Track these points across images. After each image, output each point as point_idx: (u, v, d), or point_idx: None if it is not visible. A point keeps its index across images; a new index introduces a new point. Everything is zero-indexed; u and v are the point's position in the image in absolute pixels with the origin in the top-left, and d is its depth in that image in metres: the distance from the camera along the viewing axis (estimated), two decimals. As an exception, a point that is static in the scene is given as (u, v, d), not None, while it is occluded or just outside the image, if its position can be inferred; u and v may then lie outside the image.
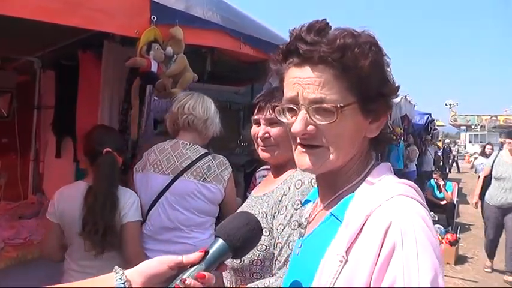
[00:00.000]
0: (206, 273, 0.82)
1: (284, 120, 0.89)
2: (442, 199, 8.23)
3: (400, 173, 9.19)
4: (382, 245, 0.71)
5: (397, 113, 8.05)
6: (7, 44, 3.19)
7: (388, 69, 0.88)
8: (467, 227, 8.49)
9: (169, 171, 2.12)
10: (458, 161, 22.01)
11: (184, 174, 2.10)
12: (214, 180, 2.12)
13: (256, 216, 1.42)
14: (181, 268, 0.83)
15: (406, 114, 9.14)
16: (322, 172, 0.89)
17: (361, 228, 0.76)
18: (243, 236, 0.87)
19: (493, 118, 40.29)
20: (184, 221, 2.10)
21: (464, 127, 40.59)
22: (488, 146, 10.80)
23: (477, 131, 37.38)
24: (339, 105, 0.81)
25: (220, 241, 0.86)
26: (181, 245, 2.09)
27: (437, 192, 8.35)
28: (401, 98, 8.57)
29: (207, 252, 0.85)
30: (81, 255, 2.05)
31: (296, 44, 0.83)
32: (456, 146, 22.89)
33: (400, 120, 9.07)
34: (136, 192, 2.17)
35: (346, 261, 0.74)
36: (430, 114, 12.48)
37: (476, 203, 6.27)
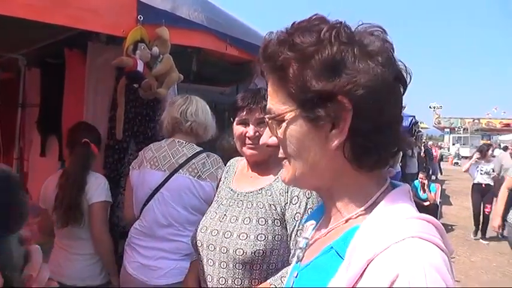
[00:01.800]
0: (28, 275, 0.68)
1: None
2: (425, 200, 8.35)
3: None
4: None
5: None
6: (-9, 41, 3.18)
7: (345, 57, 0.70)
8: (449, 227, 8.64)
9: (166, 168, 2.16)
10: (441, 163, 22.27)
11: (180, 170, 2.14)
12: (208, 178, 2.15)
13: (261, 208, 1.51)
14: None
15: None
16: (299, 186, 0.87)
17: (362, 273, 0.63)
18: None
19: (476, 121, 41.06)
20: (178, 217, 2.12)
21: (447, 129, 41.26)
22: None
23: (460, 133, 38.02)
24: (274, 115, 0.76)
25: None
26: (175, 242, 2.12)
27: (420, 193, 8.48)
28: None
29: None
30: (60, 232, 2.40)
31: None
32: (439, 149, 22.92)
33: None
34: (132, 189, 2.27)
35: None
36: (414, 117, 12.62)
37: (499, 227, 4.77)
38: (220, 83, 4.58)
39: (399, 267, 0.59)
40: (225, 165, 1.93)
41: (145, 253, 2.13)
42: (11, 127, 3.96)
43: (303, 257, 0.86)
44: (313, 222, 0.91)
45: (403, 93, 0.78)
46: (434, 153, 18.40)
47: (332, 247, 0.75)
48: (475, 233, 8.12)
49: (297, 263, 0.87)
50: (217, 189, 2.02)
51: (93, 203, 2.33)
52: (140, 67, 2.24)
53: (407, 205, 0.72)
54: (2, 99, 3.89)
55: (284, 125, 0.75)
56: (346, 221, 0.76)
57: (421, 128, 19.11)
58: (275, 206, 1.51)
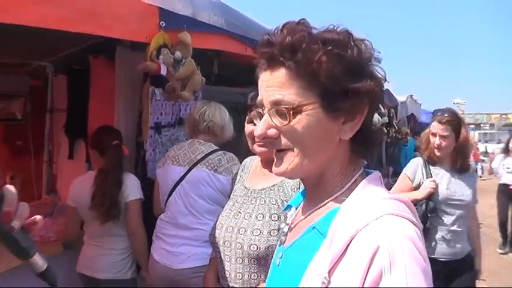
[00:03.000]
0: (4, 210, 0.72)
1: (257, 121, 0.88)
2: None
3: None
4: (368, 270, 0.67)
5: (402, 112, 8.08)
6: (21, 49, 3.31)
7: (368, 63, 0.81)
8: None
9: (185, 163, 2.37)
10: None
11: (198, 164, 2.34)
12: (224, 172, 2.33)
13: (274, 204, 1.56)
14: None
15: (412, 113, 9.15)
16: (295, 177, 0.88)
17: (346, 249, 0.71)
18: None
19: (503, 116, 39.97)
20: (197, 207, 2.33)
21: (472, 126, 40.34)
22: None
23: (486, 129, 37.10)
24: (291, 106, 0.77)
25: None
26: (195, 230, 2.32)
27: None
28: (407, 97, 8.61)
29: None
30: (92, 229, 2.55)
31: (260, 49, 0.83)
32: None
33: (406, 120, 9.09)
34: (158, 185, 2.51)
35: (329, 282, 0.70)
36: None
37: None
38: (240, 84, 4.64)
39: (379, 239, 0.68)
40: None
41: (169, 240, 2.35)
42: (41, 131, 4.14)
43: (285, 240, 0.93)
44: (294, 207, 0.99)
45: None
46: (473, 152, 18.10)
47: (314, 227, 0.82)
48: (503, 246, 6.80)
49: (280, 245, 0.95)
50: (232, 184, 2.11)
51: (130, 200, 2.50)
52: (164, 71, 2.32)
53: (380, 188, 0.82)
54: (32, 105, 4.06)
55: (300, 116, 0.78)
56: (326, 203, 0.84)
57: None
58: (287, 202, 1.55)
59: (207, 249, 2.15)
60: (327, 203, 0.84)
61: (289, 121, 0.78)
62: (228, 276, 1.58)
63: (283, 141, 0.81)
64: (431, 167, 2.85)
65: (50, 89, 4.06)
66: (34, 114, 4.11)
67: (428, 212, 2.70)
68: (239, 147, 2.49)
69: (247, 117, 1.71)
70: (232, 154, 2.42)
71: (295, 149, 0.80)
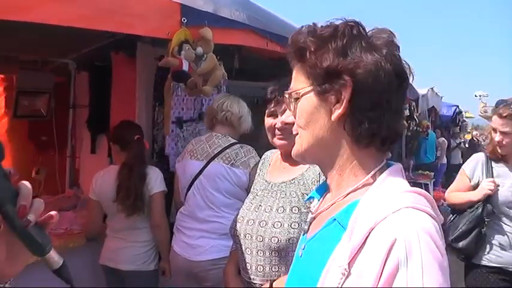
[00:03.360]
0: (21, 205, 0.71)
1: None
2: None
3: (432, 166, 9.07)
4: (385, 262, 0.68)
5: (423, 105, 7.95)
6: (45, 47, 3.39)
7: (353, 46, 0.81)
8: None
9: (203, 158, 2.40)
10: None
11: (215, 159, 2.37)
12: (241, 166, 2.35)
13: (294, 197, 1.57)
14: None
15: (433, 106, 9.01)
16: (303, 159, 0.92)
17: (365, 241, 0.72)
18: None
19: (526, 108, 38.96)
20: (214, 201, 2.36)
21: (495, 118, 39.38)
22: None
23: (508, 122, 36.18)
24: (294, 94, 0.88)
25: None
26: (213, 223, 2.36)
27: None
28: (428, 89, 8.47)
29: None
30: (115, 223, 2.60)
31: None
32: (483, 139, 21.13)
33: (427, 113, 8.95)
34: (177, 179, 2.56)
35: (349, 274, 0.71)
36: (458, 106, 12.24)
37: None
38: (261, 79, 4.63)
39: (396, 232, 0.69)
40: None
41: (188, 233, 2.40)
42: (64, 127, 4.21)
43: (308, 230, 0.95)
44: (317, 197, 1.01)
45: (405, 90, 0.88)
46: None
47: (335, 219, 0.84)
48: None
49: (303, 235, 0.97)
50: (250, 176, 2.13)
51: (154, 193, 2.55)
52: (185, 67, 2.33)
53: (401, 180, 0.83)
54: (55, 101, 4.14)
55: (300, 101, 0.87)
56: (347, 195, 0.85)
57: (466, 117, 18.36)
58: (307, 195, 1.55)
59: (225, 242, 2.22)
60: (347, 195, 0.85)
61: (294, 107, 0.89)
62: (249, 268, 1.60)
63: (294, 125, 0.91)
64: (494, 164, 2.52)
65: (72, 86, 4.12)
66: (58, 110, 4.20)
67: (485, 215, 2.42)
68: (259, 141, 2.50)
69: (267, 111, 1.70)
70: (249, 147, 2.44)
71: (299, 130, 0.89)
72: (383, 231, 0.70)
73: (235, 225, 1.70)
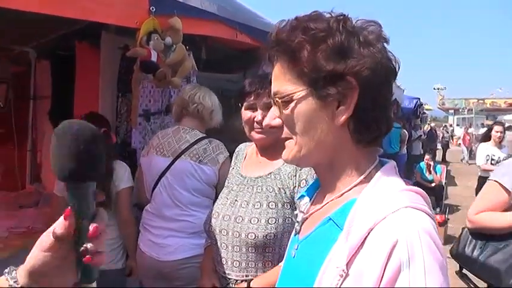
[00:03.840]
0: (95, 225, 0.69)
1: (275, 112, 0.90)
2: (431, 181, 8.40)
3: (392, 157, 9.34)
4: (387, 264, 0.67)
5: (386, 97, 8.14)
6: (2, 34, 3.21)
7: (351, 44, 0.78)
8: (455, 208, 8.67)
9: (170, 154, 2.29)
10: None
11: (182, 155, 2.26)
12: (209, 163, 2.26)
13: (271, 192, 1.55)
14: (62, 244, 0.70)
15: (395, 98, 9.25)
16: (301, 164, 0.90)
17: (363, 242, 0.71)
18: (72, 158, 0.67)
19: (480, 101, 40.78)
20: (182, 199, 2.26)
21: (452, 111, 41.06)
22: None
23: (464, 114, 37.83)
24: (282, 96, 0.82)
25: (62, 185, 0.75)
26: (181, 222, 2.26)
27: (426, 175, 8.52)
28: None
29: (71, 208, 0.69)
30: None
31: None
32: (443, 131, 21.83)
33: (390, 105, 9.18)
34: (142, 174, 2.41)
35: (347, 275, 0.70)
36: (419, 99, 12.63)
37: None
38: (227, 70, 4.60)
39: (397, 233, 0.68)
40: (234, 146, 1.96)
41: (155, 232, 2.29)
42: (24, 119, 4.05)
43: (300, 230, 0.93)
44: (307, 197, 0.98)
45: (394, 80, 0.86)
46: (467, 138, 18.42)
47: (330, 218, 0.81)
48: None
49: (295, 235, 0.94)
50: (219, 173, 2.13)
51: (121, 189, 2.45)
52: (154, 57, 2.27)
53: (396, 179, 0.81)
54: (14, 92, 3.96)
55: (293, 104, 0.80)
56: (342, 194, 0.83)
57: (426, 109, 19.04)
58: (284, 190, 1.55)
59: (194, 240, 2.17)
60: (342, 194, 0.83)
61: (281, 111, 0.82)
62: (224, 263, 1.58)
63: (285, 129, 0.84)
64: None
65: (33, 75, 3.95)
66: (17, 101, 4.02)
67: None
68: (226, 134, 2.46)
69: (245, 104, 1.68)
70: (218, 141, 2.35)
71: (294, 137, 0.83)
72: (383, 232, 0.70)
73: (210, 220, 1.67)
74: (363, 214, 0.74)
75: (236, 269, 1.55)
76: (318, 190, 0.94)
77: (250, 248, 1.51)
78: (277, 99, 0.83)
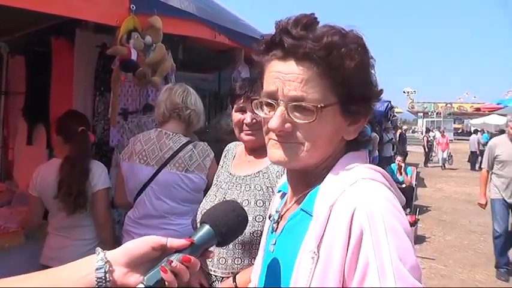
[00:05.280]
0: (192, 257, 0.78)
1: (261, 114, 0.86)
2: (402, 183, 8.62)
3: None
4: (349, 233, 0.69)
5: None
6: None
7: (373, 72, 0.84)
8: (424, 208, 8.94)
9: (154, 163, 2.17)
10: (413, 146, 21.98)
11: (167, 165, 2.15)
12: (196, 170, 2.17)
13: (259, 191, 1.59)
14: (164, 251, 0.80)
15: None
16: (292, 167, 0.87)
17: (328, 219, 0.72)
18: (229, 223, 0.86)
19: (448, 105, 42.02)
20: (168, 210, 2.17)
21: (421, 114, 42.15)
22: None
23: (433, 117, 38.85)
24: (319, 105, 0.77)
25: (206, 227, 0.84)
26: (166, 230, 2.14)
27: (397, 176, 8.74)
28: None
29: (192, 242, 0.82)
30: (57, 220, 2.41)
31: (281, 37, 0.79)
32: (427, 135, 21.36)
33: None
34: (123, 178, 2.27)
35: (318, 257, 0.71)
36: (390, 102, 12.89)
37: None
38: (203, 70, 4.63)
39: (355, 201, 0.71)
40: (217, 146, 1.96)
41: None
42: (-6, 115, 3.93)
43: (277, 228, 0.93)
44: (282, 191, 1.02)
45: None
46: (442, 142, 18.00)
47: (301, 209, 0.84)
48: None
49: (272, 233, 0.95)
50: (208, 177, 2.11)
51: (98, 190, 2.38)
52: (134, 56, 2.27)
53: (359, 161, 0.84)
54: (-16, 87, 3.85)
55: (321, 115, 0.78)
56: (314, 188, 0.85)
57: (396, 112, 19.43)
58: (272, 188, 1.59)
59: None
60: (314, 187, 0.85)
61: (312, 119, 0.78)
62: (210, 260, 1.59)
63: (298, 135, 0.81)
64: None
65: (4, 70, 3.85)
66: (-13, 97, 3.90)
67: None
68: (206, 133, 2.47)
69: (235, 106, 1.71)
70: (203, 144, 2.27)
71: (306, 144, 0.81)
72: (342, 204, 0.72)
73: (198, 217, 1.68)
74: (326, 195, 0.76)
75: (222, 266, 1.57)
76: (291, 188, 0.94)
77: (237, 245, 1.53)
78: (306, 105, 0.78)
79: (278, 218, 0.94)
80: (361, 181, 0.74)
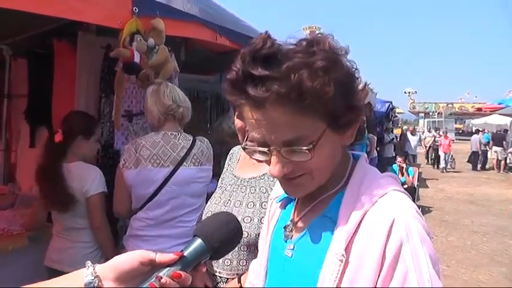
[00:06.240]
0: (182, 273, 0.77)
1: (258, 158, 0.85)
2: (404, 183, 8.62)
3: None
4: (387, 242, 0.74)
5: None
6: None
7: (354, 75, 0.83)
8: (427, 209, 8.94)
9: (169, 163, 2.17)
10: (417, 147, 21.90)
11: (184, 163, 2.19)
12: (207, 162, 2.29)
13: (264, 193, 1.60)
14: (154, 266, 0.77)
15: (368, 102, 9.43)
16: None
17: (358, 226, 0.78)
18: (222, 237, 0.84)
19: (449, 105, 41.98)
20: (184, 205, 2.20)
21: (422, 114, 42.10)
22: None
23: (434, 117, 38.79)
24: (311, 144, 0.77)
25: (198, 241, 0.82)
26: (181, 228, 2.18)
27: (399, 177, 8.72)
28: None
29: (183, 255, 0.80)
30: (59, 221, 2.43)
31: (245, 85, 0.75)
32: (435, 134, 20.88)
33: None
34: (126, 187, 2.22)
35: (347, 261, 0.76)
36: (391, 102, 12.89)
37: None
38: (205, 72, 4.64)
39: (393, 213, 0.77)
40: (220, 148, 1.97)
41: (156, 242, 2.17)
42: (-3, 118, 3.94)
43: (292, 235, 0.94)
44: (275, 204, 1.07)
45: None
46: (444, 143, 17.07)
47: (324, 215, 0.87)
48: None
49: (286, 241, 0.95)
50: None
51: (91, 195, 2.34)
52: (137, 58, 2.28)
53: (371, 168, 0.91)
54: (-13, 90, 3.87)
55: (318, 145, 0.78)
56: (331, 193, 0.89)
57: (397, 113, 19.42)
58: None
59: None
60: (332, 193, 0.89)
61: (309, 158, 0.78)
62: (215, 262, 1.60)
63: (302, 167, 0.81)
64: None
65: (7, 73, 3.86)
66: (-11, 99, 3.92)
67: None
68: (200, 133, 2.46)
69: (237, 113, 1.69)
70: (203, 138, 2.36)
71: (313, 171, 0.83)
72: (378, 213, 0.78)
73: (204, 217, 1.69)
74: (353, 202, 0.82)
75: (227, 268, 1.57)
76: (300, 198, 0.97)
77: (242, 247, 1.54)
78: (300, 146, 0.77)
79: (293, 226, 0.96)
80: (392, 193, 0.82)
